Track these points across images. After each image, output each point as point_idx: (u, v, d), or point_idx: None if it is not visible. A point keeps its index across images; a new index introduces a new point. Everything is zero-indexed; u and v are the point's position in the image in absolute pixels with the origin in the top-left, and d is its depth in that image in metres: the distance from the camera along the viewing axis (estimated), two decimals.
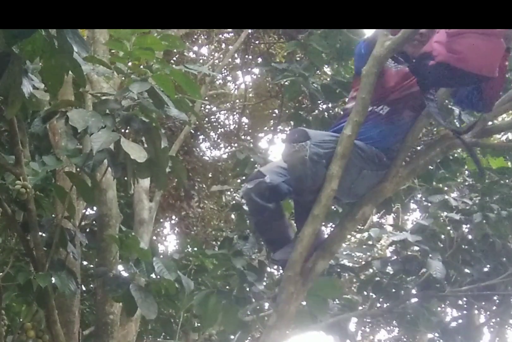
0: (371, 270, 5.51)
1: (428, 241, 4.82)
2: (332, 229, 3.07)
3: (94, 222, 5.43)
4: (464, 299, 5.36)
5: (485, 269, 5.16)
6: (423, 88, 2.77)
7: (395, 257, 4.93)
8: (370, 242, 6.32)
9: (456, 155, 5.15)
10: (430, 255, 4.56)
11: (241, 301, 4.00)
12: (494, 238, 4.89)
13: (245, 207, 4.08)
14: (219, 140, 10.71)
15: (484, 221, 4.70)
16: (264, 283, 4.42)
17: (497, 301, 5.42)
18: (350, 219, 2.81)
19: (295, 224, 2.90)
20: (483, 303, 5.41)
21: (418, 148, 3.50)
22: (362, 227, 7.80)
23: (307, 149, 2.66)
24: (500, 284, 4.91)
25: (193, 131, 9.21)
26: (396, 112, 2.89)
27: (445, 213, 4.92)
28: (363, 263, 6.57)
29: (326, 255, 2.72)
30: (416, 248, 4.91)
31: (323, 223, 2.82)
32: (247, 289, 4.02)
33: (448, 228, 5.02)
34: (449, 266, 4.67)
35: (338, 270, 4.23)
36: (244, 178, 5.47)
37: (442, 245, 5.02)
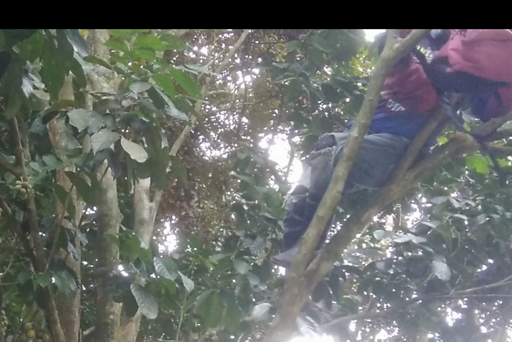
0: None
1: (432, 242, 4.79)
2: (335, 231, 3.06)
3: (94, 222, 5.42)
4: (465, 299, 5.34)
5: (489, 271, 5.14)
6: (438, 92, 2.76)
7: (398, 258, 4.90)
8: (371, 244, 6.30)
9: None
10: (433, 257, 4.54)
11: (243, 302, 3.99)
12: (498, 239, 4.87)
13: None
14: (219, 140, 10.70)
15: (488, 221, 4.68)
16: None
17: (500, 302, 5.40)
18: (355, 221, 2.78)
19: None
20: (485, 304, 5.39)
21: None
22: None
23: (331, 154, 2.65)
24: (503, 286, 4.89)
25: (193, 131, 9.21)
26: (410, 110, 2.87)
27: (449, 214, 4.89)
28: (364, 263, 6.55)
29: (330, 257, 2.70)
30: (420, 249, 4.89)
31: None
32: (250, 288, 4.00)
33: (452, 229, 5.00)
34: (453, 267, 4.64)
35: (343, 270, 4.19)
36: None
37: (445, 246, 4.99)
